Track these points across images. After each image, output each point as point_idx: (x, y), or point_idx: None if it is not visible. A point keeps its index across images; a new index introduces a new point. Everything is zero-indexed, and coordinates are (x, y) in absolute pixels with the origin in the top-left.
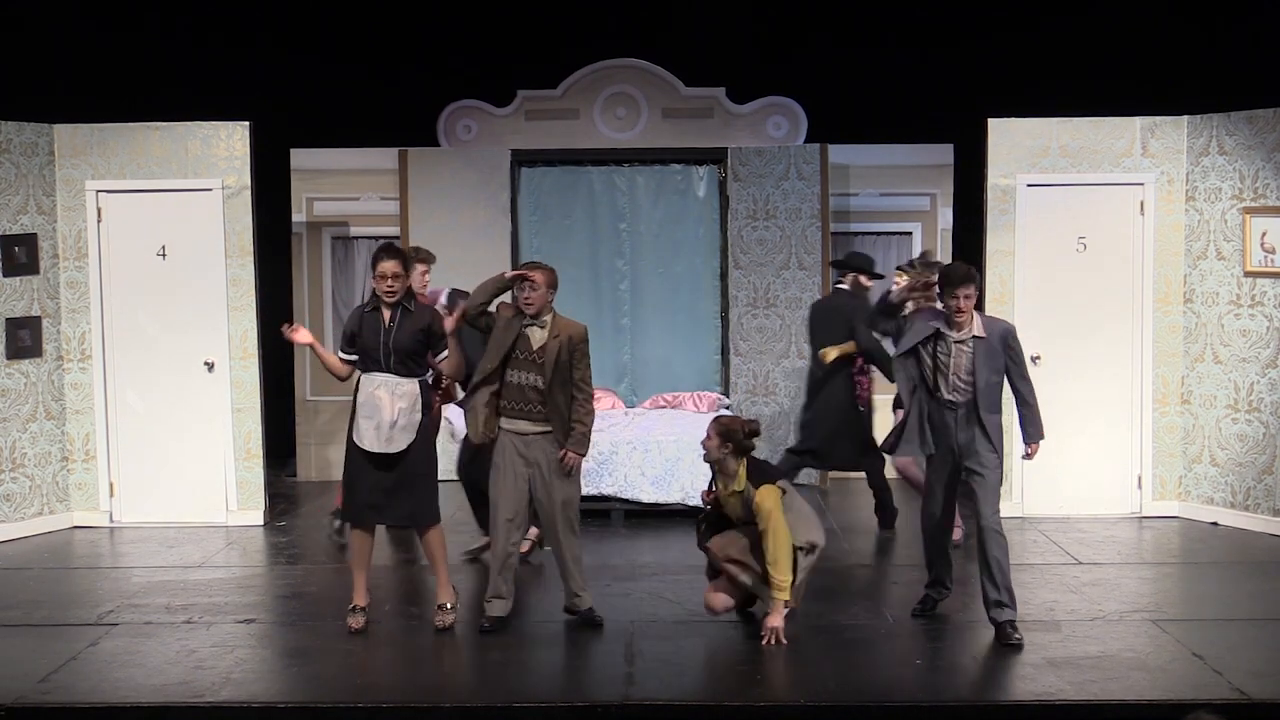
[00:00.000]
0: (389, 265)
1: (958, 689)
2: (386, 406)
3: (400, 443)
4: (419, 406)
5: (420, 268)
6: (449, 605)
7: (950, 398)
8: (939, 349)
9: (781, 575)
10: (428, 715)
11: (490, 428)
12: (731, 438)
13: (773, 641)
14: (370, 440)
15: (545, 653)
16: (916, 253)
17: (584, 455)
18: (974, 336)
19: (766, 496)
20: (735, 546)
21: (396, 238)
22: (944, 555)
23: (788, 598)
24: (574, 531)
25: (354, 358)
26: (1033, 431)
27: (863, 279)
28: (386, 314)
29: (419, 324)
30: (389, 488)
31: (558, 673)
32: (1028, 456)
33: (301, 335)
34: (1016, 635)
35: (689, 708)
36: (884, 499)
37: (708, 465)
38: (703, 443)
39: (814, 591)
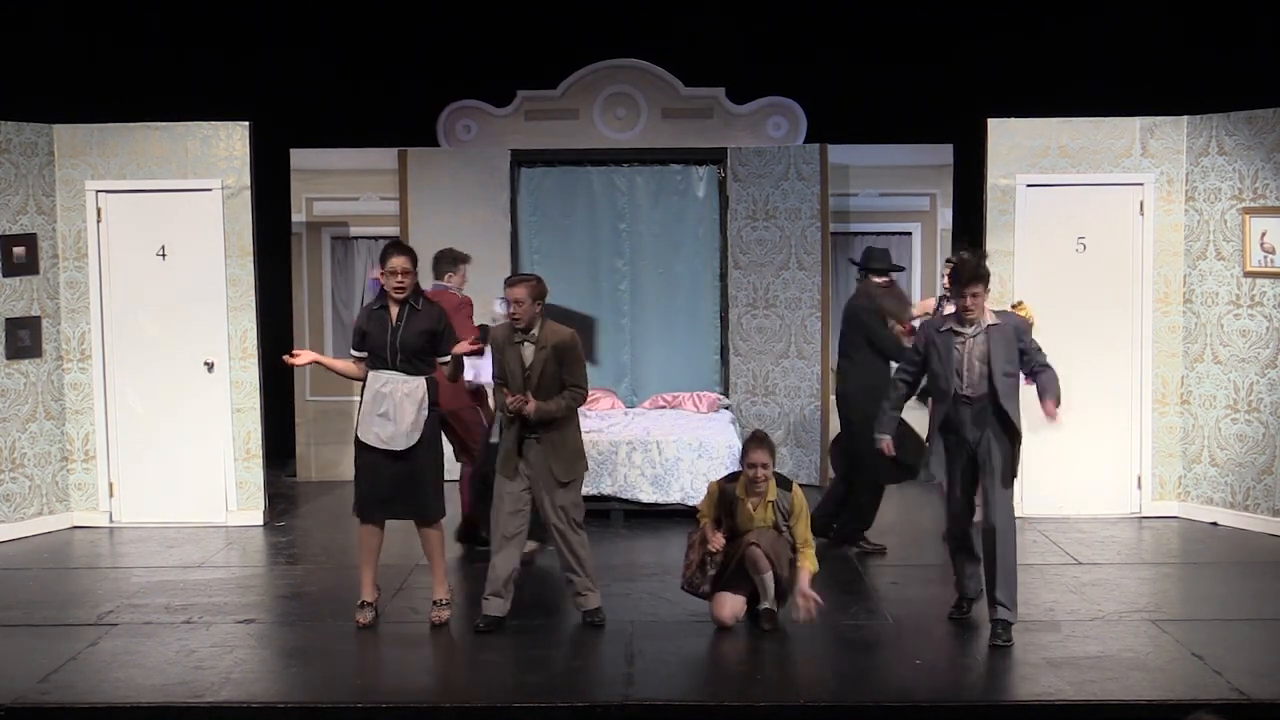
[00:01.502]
0: (399, 261)
1: (958, 689)
2: (394, 406)
3: (408, 442)
4: (426, 404)
5: (463, 268)
6: (444, 601)
7: (966, 393)
8: (954, 344)
9: (810, 557)
10: (428, 715)
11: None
12: (774, 453)
13: (813, 607)
14: (376, 438)
15: (545, 653)
16: (917, 253)
17: (533, 414)
18: (988, 325)
19: (801, 494)
20: (776, 538)
21: (396, 238)
22: (972, 560)
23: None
24: (575, 530)
25: (364, 355)
26: (1050, 391)
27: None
28: (394, 311)
29: (426, 323)
30: (397, 483)
31: (558, 673)
32: (1050, 418)
33: (303, 357)
34: (1005, 638)
35: (689, 708)
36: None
37: (745, 488)
38: (762, 471)
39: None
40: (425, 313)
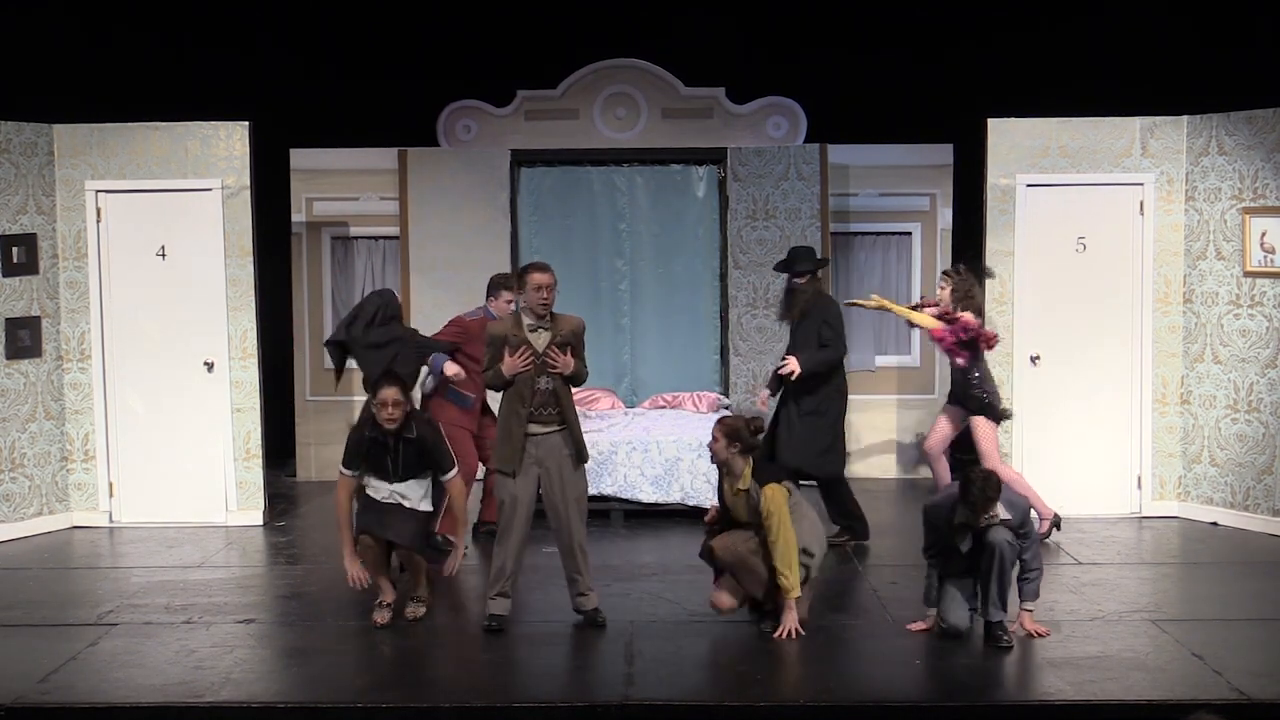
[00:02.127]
0: (389, 393)
1: (958, 689)
2: (405, 502)
3: (424, 508)
4: (429, 496)
5: (506, 295)
6: (422, 598)
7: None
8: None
9: (791, 575)
10: (428, 715)
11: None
12: (738, 436)
13: (791, 635)
14: (385, 530)
15: (545, 653)
16: (917, 253)
17: (567, 369)
18: (995, 520)
19: (774, 496)
20: (745, 545)
21: (395, 238)
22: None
23: (799, 594)
24: (585, 528)
25: (355, 474)
26: (1026, 591)
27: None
28: (390, 443)
29: (421, 449)
30: (398, 514)
31: (558, 673)
32: (1017, 624)
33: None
34: (1006, 638)
35: (689, 708)
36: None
37: (715, 466)
38: (710, 445)
39: (814, 591)
40: (419, 438)
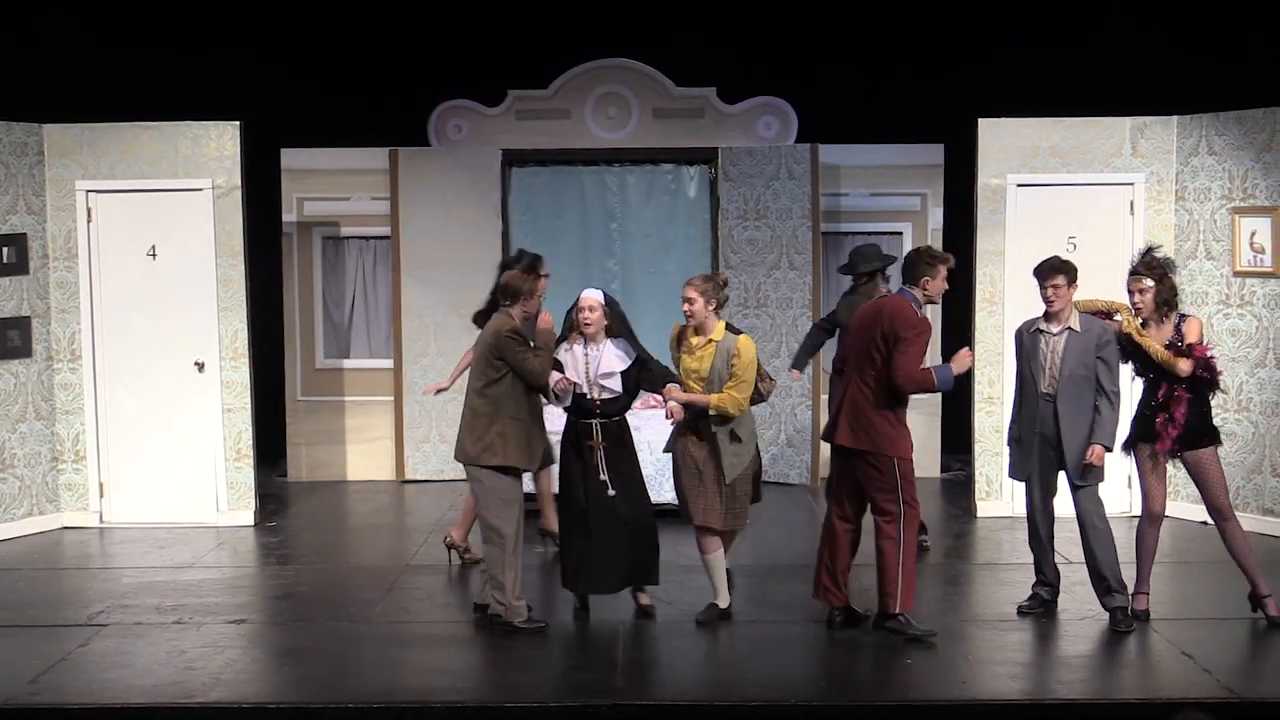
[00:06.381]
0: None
1: (952, 689)
2: None
3: None
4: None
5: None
6: None
7: (1046, 390)
8: (1039, 342)
9: (727, 401)
10: (421, 715)
11: None
12: (714, 294)
13: (670, 415)
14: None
15: (541, 653)
16: (906, 250)
17: None
18: (1068, 329)
19: (749, 345)
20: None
21: (386, 238)
22: (1048, 553)
23: (714, 406)
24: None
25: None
26: (1097, 436)
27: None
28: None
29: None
30: None
31: (554, 673)
32: (1091, 457)
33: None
34: (1124, 625)
35: (686, 708)
36: None
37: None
38: (688, 308)
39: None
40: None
